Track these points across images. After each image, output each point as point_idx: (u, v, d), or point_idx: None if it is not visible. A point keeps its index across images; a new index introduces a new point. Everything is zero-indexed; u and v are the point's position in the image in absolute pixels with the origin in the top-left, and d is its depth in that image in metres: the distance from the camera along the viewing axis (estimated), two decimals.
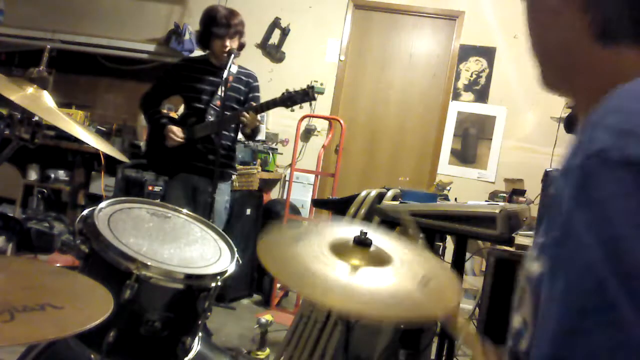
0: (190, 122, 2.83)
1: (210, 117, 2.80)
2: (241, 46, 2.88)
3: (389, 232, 1.17)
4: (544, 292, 0.42)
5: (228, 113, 2.80)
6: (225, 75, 2.55)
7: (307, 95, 2.64)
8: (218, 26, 2.73)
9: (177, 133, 2.78)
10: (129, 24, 4.96)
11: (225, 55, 2.75)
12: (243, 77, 2.91)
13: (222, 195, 2.89)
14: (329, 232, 1.14)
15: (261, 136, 4.23)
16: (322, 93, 2.82)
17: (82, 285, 0.98)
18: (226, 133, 2.87)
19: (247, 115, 2.66)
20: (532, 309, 0.47)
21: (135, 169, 3.98)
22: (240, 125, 2.81)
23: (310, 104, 2.88)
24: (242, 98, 2.89)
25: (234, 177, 3.06)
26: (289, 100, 2.67)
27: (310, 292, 0.92)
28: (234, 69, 2.89)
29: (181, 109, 3.89)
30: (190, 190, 2.86)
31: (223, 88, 2.63)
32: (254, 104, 2.75)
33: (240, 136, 3.04)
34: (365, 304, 0.90)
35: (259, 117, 2.74)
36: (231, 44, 2.76)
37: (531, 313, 0.47)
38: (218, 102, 2.82)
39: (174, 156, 2.85)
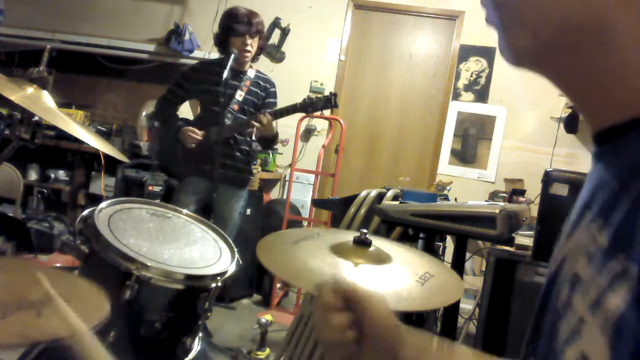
0: (207, 125, 2.77)
1: (227, 120, 2.74)
2: (260, 48, 2.83)
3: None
4: None
5: (243, 117, 2.78)
6: (225, 75, 2.51)
7: (329, 101, 2.57)
8: (239, 23, 2.68)
9: (195, 131, 2.73)
10: (129, 24, 4.96)
11: (246, 57, 2.71)
12: (261, 82, 2.87)
13: (239, 202, 2.87)
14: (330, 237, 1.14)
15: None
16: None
17: (78, 287, 0.98)
18: (242, 138, 2.83)
19: (262, 120, 2.59)
20: (607, 349, 0.39)
21: (135, 169, 3.98)
22: (255, 131, 2.73)
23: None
24: (259, 103, 2.85)
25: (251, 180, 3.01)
26: (310, 106, 2.60)
27: (307, 285, 0.92)
28: (252, 74, 2.86)
29: (186, 109, 3.90)
30: (203, 194, 2.80)
31: (223, 90, 2.60)
32: (269, 110, 2.68)
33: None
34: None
35: (274, 123, 2.67)
36: (252, 43, 2.72)
37: (605, 352, 0.39)
38: (236, 106, 2.78)
39: (188, 159, 2.80)
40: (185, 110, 3.79)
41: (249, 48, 2.71)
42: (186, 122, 2.87)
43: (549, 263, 0.54)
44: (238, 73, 2.78)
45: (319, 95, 2.63)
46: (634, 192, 0.39)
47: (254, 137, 2.86)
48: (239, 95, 2.79)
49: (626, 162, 0.43)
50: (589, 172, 0.50)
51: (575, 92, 0.48)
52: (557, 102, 4.13)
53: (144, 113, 4.46)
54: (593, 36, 0.43)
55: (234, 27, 2.70)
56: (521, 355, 0.57)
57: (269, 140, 2.79)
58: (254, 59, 2.87)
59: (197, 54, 4.64)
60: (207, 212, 2.56)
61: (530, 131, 4.44)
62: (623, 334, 0.38)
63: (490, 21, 0.49)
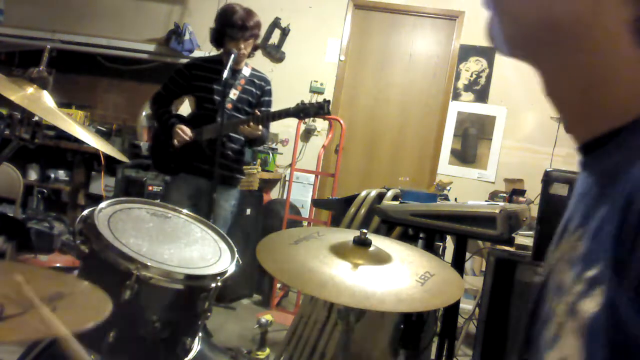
0: (201, 123, 2.77)
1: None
2: (255, 48, 2.84)
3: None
4: None
5: (237, 115, 2.78)
6: (225, 75, 2.50)
7: (322, 109, 2.55)
8: (233, 28, 2.67)
9: (185, 131, 2.74)
10: (129, 24, 4.96)
11: (240, 58, 2.71)
12: (256, 80, 2.87)
13: (230, 201, 2.87)
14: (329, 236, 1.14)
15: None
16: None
17: (79, 288, 0.98)
18: (236, 136, 2.82)
19: (249, 125, 2.61)
20: (582, 352, 0.41)
21: (135, 169, 3.98)
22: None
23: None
24: (254, 101, 2.85)
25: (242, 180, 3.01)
26: (302, 111, 2.59)
27: (307, 287, 0.92)
28: (247, 72, 2.85)
29: (183, 107, 3.90)
30: (193, 191, 2.81)
31: (221, 89, 2.60)
32: (259, 111, 2.68)
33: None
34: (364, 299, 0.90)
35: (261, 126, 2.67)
36: (245, 47, 2.71)
37: (579, 354, 0.41)
38: (230, 105, 2.77)
39: (179, 156, 2.80)
40: (185, 109, 3.79)
41: (243, 52, 2.71)
42: (180, 119, 2.87)
43: (542, 271, 0.55)
44: (233, 72, 2.77)
45: (313, 102, 2.61)
46: (609, 199, 0.40)
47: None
48: (233, 94, 2.79)
49: (605, 171, 0.44)
50: (577, 181, 0.51)
51: (559, 95, 0.48)
52: None
53: (144, 113, 4.46)
54: (572, 37, 0.43)
55: (227, 32, 2.69)
56: None
57: (253, 141, 2.82)
58: (250, 55, 2.86)
59: (197, 54, 4.63)
60: (198, 210, 2.57)
61: (530, 131, 4.44)
62: (596, 336, 0.39)
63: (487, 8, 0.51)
